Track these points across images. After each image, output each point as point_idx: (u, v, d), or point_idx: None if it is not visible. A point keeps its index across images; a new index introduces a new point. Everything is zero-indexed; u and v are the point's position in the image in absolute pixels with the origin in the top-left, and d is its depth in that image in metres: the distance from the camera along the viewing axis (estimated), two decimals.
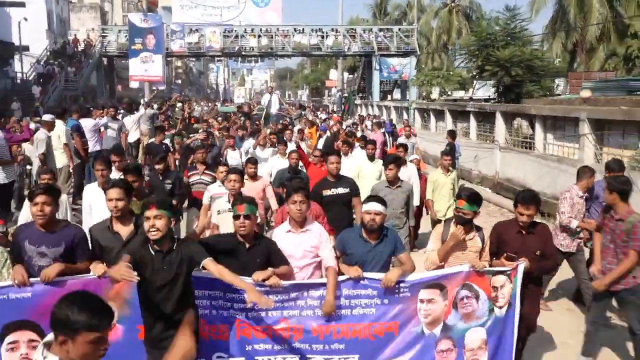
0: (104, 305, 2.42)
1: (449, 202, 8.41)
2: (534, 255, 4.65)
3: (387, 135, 17.40)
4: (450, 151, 11.95)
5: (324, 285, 4.42)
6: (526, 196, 4.73)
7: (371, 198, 4.89)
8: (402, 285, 4.49)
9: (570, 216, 6.52)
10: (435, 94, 23.87)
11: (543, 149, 13.29)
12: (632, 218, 4.99)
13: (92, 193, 5.74)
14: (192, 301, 4.01)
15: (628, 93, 15.68)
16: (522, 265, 4.53)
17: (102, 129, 11.41)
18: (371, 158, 8.66)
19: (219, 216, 5.90)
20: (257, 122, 16.71)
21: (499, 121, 15.32)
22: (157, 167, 7.39)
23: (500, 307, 4.58)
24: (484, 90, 26.18)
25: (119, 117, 12.55)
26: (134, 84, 26.67)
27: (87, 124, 10.44)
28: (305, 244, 4.62)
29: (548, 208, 11.69)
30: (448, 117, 19.71)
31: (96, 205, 5.53)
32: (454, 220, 4.82)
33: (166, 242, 3.81)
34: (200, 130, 12.77)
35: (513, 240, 4.74)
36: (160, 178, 7.26)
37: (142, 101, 17.11)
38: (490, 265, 4.65)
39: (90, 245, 4.44)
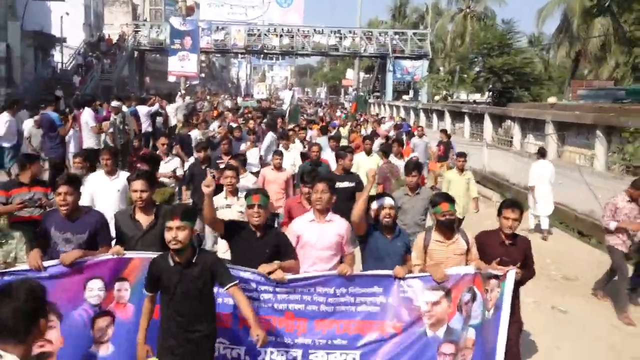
0: None
1: (463, 200, 8.78)
2: (516, 265, 4.70)
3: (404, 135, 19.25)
4: (447, 148, 13.97)
5: (330, 281, 4.44)
6: (511, 201, 5.02)
7: (382, 194, 5.08)
8: (407, 285, 4.50)
9: (610, 219, 7.09)
10: (438, 96, 25.97)
11: (520, 147, 15.43)
12: None
13: (97, 181, 6.06)
14: (211, 316, 3.92)
15: (614, 101, 17.72)
16: (512, 271, 4.60)
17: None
18: (368, 152, 9.46)
19: (217, 212, 6.14)
20: (278, 118, 17.61)
21: (487, 122, 17.50)
22: (197, 154, 7.91)
23: (488, 310, 4.64)
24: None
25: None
26: (171, 78, 29.60)
27: (142, 110, 12.77)
28: (330, 234, 4.65)
29: (521, 197, 13.93)
30: (447, 118, 21.88)
31: (100, 194, 5.92)
32: (435, 227, 4.85)
33: (186, 254, 3.74)
34: (219, 126, 13.62)
35: (496, 250, 4.80)
36: (202, 166, 7.67)
37: (179, 93, 19.58)
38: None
39: (113, 229, 4.67)
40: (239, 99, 39.32)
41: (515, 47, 21.07)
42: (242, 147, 10.24)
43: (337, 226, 4.68)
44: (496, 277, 4.60)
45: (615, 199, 7.30)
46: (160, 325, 3.85)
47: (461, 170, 9.04)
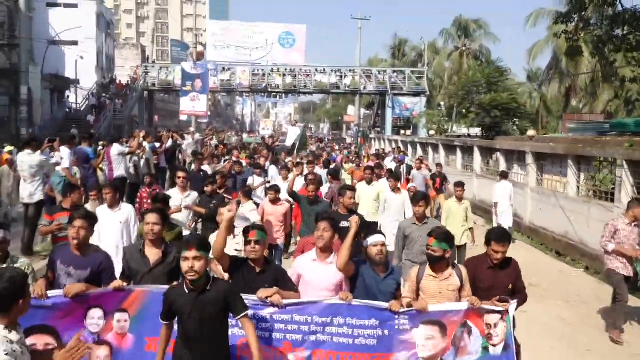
0: None
1: (462, 228, 9.10)
2: (506, 290, 4.77)
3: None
4: (442, 180, 15.08)
5: (327, 310, 4.51)
6: (500, 234, 4.92)
7: (372, 231, 5.08)
8: (402, 317, 4.54)
9: (608, 241, 7.20)
10: (433, 130, 27.42)
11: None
12: None
13: (101, 214, 6.19)
14: (225, 343, 4.02)
15: (599, 133, 19.02)
16: (513, 305, 4.61)
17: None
18: (368, 182, 9.90)
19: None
20: (280, 153, 18.36)
21: (476, 154, 18.79)
22: (206, 189, 8.60)
23: (495, 346, 4.60)
24: None
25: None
26: (183, 117, 31.53)
27: (157, 146, 14.17)
28: (330, 275, 4.73)
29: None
30: (442, 151, 23.21)
31: (104, 226, 6.24)
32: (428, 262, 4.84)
33: (202, 282, 3.84)
34: (225, 160, 14.19)
35: (486, 276, 4.83)
36: (208, 199, 8.37)
37: (190, 130, 21.06)
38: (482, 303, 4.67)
39: (122, 264, 4.86)
40: (245, 135, 40.91)
41: (502, 84, 22.54)
42: (255, 182, 11.12)
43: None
44: (496, 312, 4.60)
45: (615, 220, 7.36)
46: (174, 352, 3.96)
47: (460, 199, 9.34)
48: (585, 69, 33.91)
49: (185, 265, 3.77)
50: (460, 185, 9.53)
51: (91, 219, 4.74)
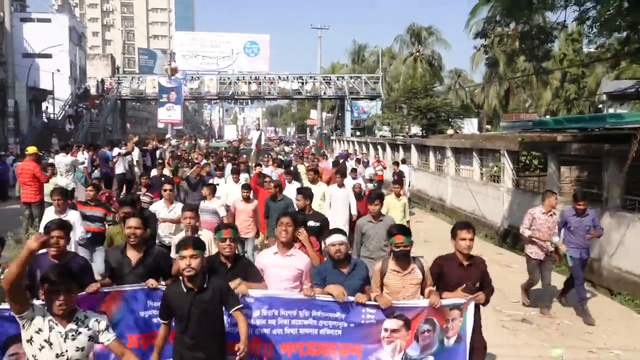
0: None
1: (401, 221, 9.16)
2: (474, 286, 4.88)
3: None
4: (399, 179, 17.89)
5: (295, 304, 4.68)
6: (464, 223, 5.16)
7: (333, 230, 5.27)
8: (368, 311, 4.68)
9: (527, 228, 7.97)
10: (383, 132, 30.82)
11: (434, 168, 19.99)
12: None
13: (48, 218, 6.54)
14: (221, 337, 4.19)
15: (522, 130, 22.51)
16: (473, 302, 4.81)
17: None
18: (313, 182, 10.33)
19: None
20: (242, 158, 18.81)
21: (413, 151, 22.14)
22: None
23: (449, 338, 4.79)
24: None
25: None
26: (160, 125, 34.51)
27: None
28: (290, 267, 4.90)
29: (436, 207, 18.47)
30: (388, 149, 26.53)
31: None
32: (391, 257, 4.91)
33: (199, 280, 4.02)
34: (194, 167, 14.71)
35: (454, 273, 4.93)
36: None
37: (167, 136, 23.94)
38: (442, 297, 4.75)
39: (103, 265, 4.98)
40: (213, 141, 43.68)
41: (436, 90, 26.06)
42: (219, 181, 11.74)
43: (297, 260, 4.97)
44: (458, 307, 4.77)
45: (533, 209, 8.08)
46: (173, 348, 4.17)
47: (398, 195, 9.72)
48: (520, 72, 37.76)
49: (182, 263, 3.97)
50: (397, 182, 10.12)
51: (67, 228, 4.97)
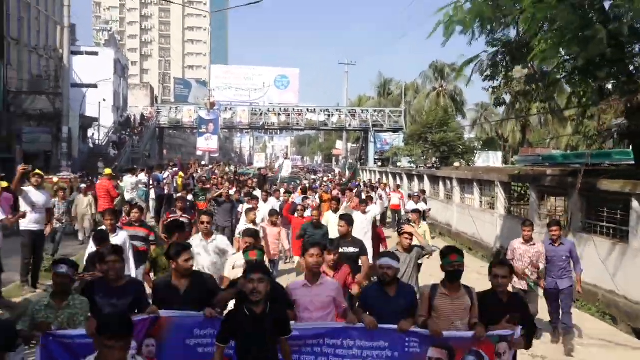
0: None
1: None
2: (515, 322, 4.84)
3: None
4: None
5: (339, 333, 4.74)
6: (499, 260, 5.26)
7: (384, 254, 5.42)
8: (412, 339, 4.67)
9: (510, 259, 7.84)
10: (402, 163, 33.02)
11: (444, 197, 22.06)
12: None
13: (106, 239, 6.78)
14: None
15: (532, 164, 24.44)
16: (519, 329, 4.74)
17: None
18: (335, 211, 10.50)
19: (233, 271, 6.33)
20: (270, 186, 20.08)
21: (426, 181, 24.27)
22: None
23: None
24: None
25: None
26: (199, 153, 37.61)
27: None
28: (322, 295, 4.97)
29: (444, 231, 20.45)
30: (405, 179, 28.69)
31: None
32: (442, 281, 4.96)
33: (262, 305, 4.09)
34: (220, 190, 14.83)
35: (497, 310, 4.86)
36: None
37: (202, 162, 26.66)
38: (488, 329, 4.71)
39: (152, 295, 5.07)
40: (243, 167, 46.42)
41: (451, 125, 28.29)
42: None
43: (327, 288, 5.01)
44: (506, 340, 4.69)
45: (514, 241, 8.23)
46: None
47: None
48: (536, 110, 39.55)
49: (250, 287, 4.05)
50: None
51: (120, 252, 5.10)
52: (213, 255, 7.08)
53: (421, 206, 15.76)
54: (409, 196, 18.76)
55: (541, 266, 7.99)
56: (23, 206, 8.97)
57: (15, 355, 3.68)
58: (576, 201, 11.57)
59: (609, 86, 12.46)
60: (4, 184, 9.53)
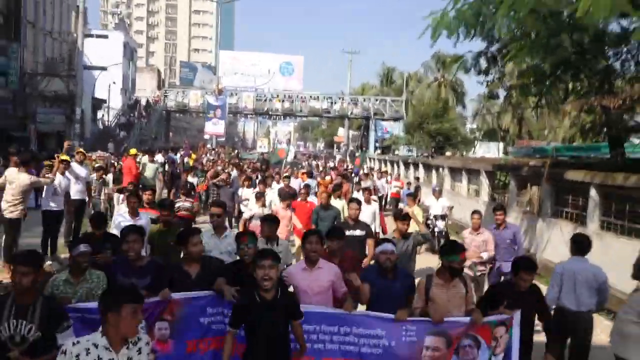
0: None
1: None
2: (532, 312, 5.04)
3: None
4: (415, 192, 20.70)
5: (336, 320, 4.77)
6: (527, 263, 5.20)
7: (384, 240, 5.52)
8: (409, 328, 4.70)
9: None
10: (401, 151, 34.37)
11: (437, 184, 23.42)
12: None
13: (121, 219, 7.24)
14: (288, 347, 4.28)
15: (524, 156, 25.72)
16: (518, 314, 4.85)
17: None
18: (337, 198, 10.55)
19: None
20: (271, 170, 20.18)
21: (420, 169, 25.64)
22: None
23: (496, 355, 4.84)
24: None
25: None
26: (206, 136, 39.04)
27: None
28: (321, 280, 5.00)
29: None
30: (402, 166, 30.05)
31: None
32: (437, 271, 5.07)
33: (273, 291, 4.12)
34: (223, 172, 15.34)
35: (513, 300, 4.95)
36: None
37: (208, 146, 28.14)
38: (486, 315, 4.81)
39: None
40: (245, 152, 47.74)
41: (446, 116, 29.66)
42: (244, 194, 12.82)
43: (326, 272, 5.05)
44: (503, 323, 4.80)
45: (464, 231, 8.59)
46: (244, 356, 4.25)
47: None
48: (532, 102, 40.70)
49: (261, 272, 4.08)
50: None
51: (141, 233, 5.23)
52: (225, 255, 6.06)
53: (442, 202, 15.34)
54: (433, 191, 17.07)
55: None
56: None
57: (63, 338, 3.80)
58: (546, 189, 12.96)
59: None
60: (65, 157, 10.66)
